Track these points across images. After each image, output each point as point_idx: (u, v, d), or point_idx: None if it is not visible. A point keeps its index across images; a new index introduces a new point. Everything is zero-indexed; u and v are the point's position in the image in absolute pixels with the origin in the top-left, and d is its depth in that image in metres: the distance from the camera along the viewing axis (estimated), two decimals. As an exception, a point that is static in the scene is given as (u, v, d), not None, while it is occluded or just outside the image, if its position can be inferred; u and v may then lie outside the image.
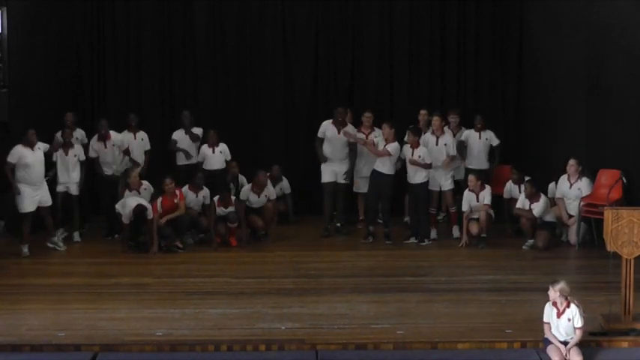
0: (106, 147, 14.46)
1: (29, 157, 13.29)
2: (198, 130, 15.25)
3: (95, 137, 14.52)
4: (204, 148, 15.05)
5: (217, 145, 15.00)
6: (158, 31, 16.39)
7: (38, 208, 13.43)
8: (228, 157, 15.02)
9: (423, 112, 15.25)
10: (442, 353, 9.68)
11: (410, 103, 16.31)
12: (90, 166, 14.45)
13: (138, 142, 14.98)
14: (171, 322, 10.42)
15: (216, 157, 14.98)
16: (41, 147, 13.42)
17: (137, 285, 12.06)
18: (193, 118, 15.33)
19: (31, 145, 13.31)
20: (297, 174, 15.88)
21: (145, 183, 14.15)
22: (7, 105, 14.29)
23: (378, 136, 14.43)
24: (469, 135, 15.09)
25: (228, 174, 14.93)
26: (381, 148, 14.06)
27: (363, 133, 14.79)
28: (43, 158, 13.46)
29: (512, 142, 16.07)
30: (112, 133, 14.51)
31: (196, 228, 14.30)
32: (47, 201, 13.54)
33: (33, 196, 13.33)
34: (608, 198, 12.85)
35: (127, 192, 13.99)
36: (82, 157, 14.24)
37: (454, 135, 14.91)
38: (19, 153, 13.27)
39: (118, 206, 13.73)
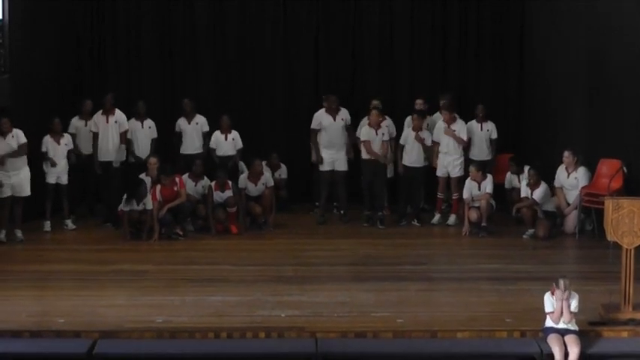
0: (107, 122, 14.30)
1: None
2: (200, 119, 15.19)
3: (99, 112, 14.45)
4: (217, 134, 14.98)
5: (230, 132, 14.98)
6: (158, 21, 16.26)
7: (12, 197, 13.26)
8: (240, 146, 14.99)
9: (419, 101, 15.26)
10: (442, 342, 9.69)
11: (411, 100, 16.20)
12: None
13: (145, 130, 14.92)
14: (171, 310, 10.43)
15: (229, 143, 14.95)
16: (15, 135, 13.17)
17: (137, 272, 12.05)
18: (195, 104, 15.28)
19: (3, 134, 13.17)
20: (298, 167, 15.80)
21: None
22: (9, 90, 14.25)
23: (389, 125, 14.76)
24: (471, 126, 15.05)
25: (237, 164, 14.96)
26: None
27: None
28: (15, 147, 13.14)
29: (514, 132, 16.06)
30: (117, 111, 14.43)
31: (196, 215, 14.31)
32: (21, 191, 13.28)
33: (4, 183, 13.17)
34: (609, 188, 12.84)
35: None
36: (71, 146, 14.27)
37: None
38: None
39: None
